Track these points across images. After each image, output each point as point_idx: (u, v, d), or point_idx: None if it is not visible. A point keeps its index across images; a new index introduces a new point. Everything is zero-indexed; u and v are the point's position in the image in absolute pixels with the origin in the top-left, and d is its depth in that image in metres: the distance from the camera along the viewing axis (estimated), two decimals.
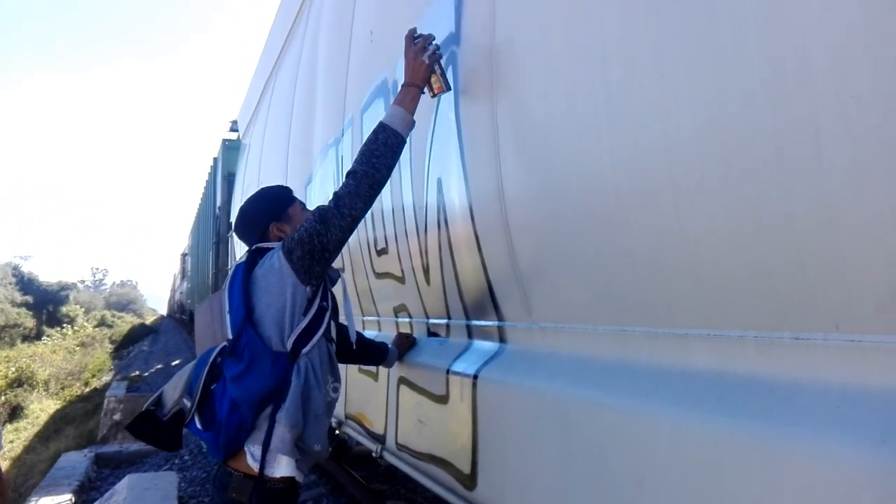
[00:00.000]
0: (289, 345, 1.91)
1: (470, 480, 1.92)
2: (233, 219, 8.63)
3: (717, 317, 1.17)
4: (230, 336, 1.95)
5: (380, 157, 1.94)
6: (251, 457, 1.86)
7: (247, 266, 2.03)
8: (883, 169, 0.86)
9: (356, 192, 1.92)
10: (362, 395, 3.00)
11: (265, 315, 1.93)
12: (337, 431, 5.05)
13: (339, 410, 3.34)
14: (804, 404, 0.98)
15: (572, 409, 1.52)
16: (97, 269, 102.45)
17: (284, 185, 2.39)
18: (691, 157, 1.16)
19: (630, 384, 1.36)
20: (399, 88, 2.05)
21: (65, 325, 42.16)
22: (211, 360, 1.94)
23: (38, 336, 41.40)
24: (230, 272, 2.12)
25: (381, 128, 1.97)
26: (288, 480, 1.88)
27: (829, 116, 0.92)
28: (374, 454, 2.81)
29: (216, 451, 1.90)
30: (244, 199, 2.35)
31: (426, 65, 1.99)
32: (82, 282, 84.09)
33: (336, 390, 2.06)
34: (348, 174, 1.96)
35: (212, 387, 1.93)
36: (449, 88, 2.03)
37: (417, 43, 2.02)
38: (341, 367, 3.35)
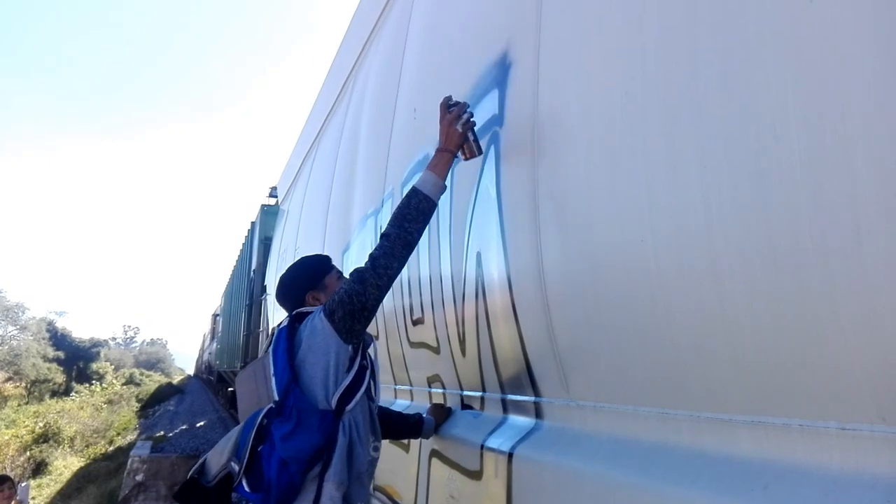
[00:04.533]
0: (333, 402, 1.98)
1: None
2: (268, 283, 8.77)
3: (761, 403, 1.17)
4: (276, 397, 2.00)
5: (412, 220, 2.06)
6: None
7: (288, 330, 2.11)
8: None
9: (391, 252, 2.02)
10: (392, 467, 2.97)
11: (310, 374, 2.01)
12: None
13: None
14: (852, 496, 0.97)
15: (611, 491, 1.50)
16: (129, 326, 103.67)
17: (324, 253, 2.52)
18: (733, 241, 1.18)
19: (672, 469, 1.35)
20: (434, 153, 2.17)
21: (94, 381, 42.57)
22: (258, 422, 1.97)
23: (67, 392, 41.82)
24: (273, 336, 2.19)
25: (414, 192, 2.09)
26: None
27: (868, 207, 0.94)
28: None
29: None
30: (280, 263, 2.53)
31: (460, 133, 2.09)
32: (114, 339, 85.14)
33: (377, 449, 2.12)
34: (382, 236, 2.06)
35: (259, 449, 1.96)
36: (481, 153, 2.12)
37: (453, 111, 2.12)
38: None
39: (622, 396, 1.58)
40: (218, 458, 2.04)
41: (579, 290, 1.69)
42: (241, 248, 15.52)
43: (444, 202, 2.52)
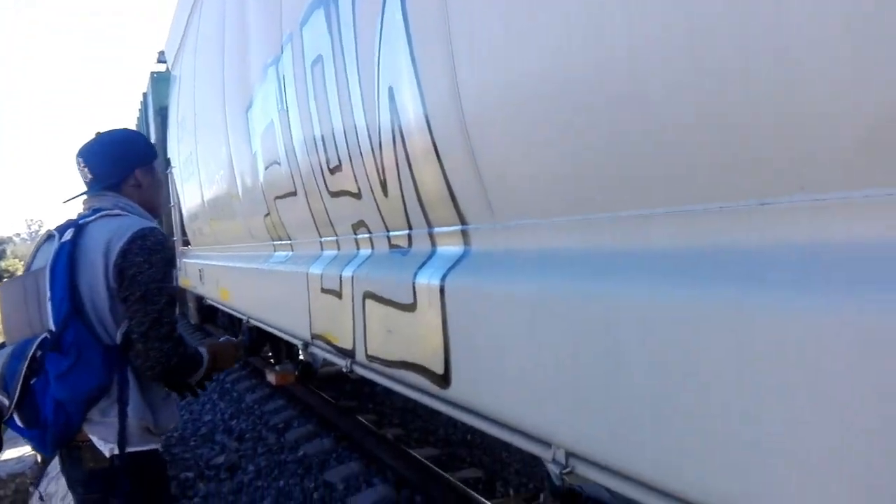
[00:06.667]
0: (118, 337, 1.83)
1: (443, 380, 1.97)
2: (171, 155, 8.31)
3: (680, 193, 1.19)
4: (52, 327, 1.77)
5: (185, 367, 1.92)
6: (102, 441, 1.80)
7: (73, 244, 1.83)
8: (839, 13, 0.87)
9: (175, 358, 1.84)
10: (327, 314, 3.01)
11: (92, 300, 1.80)
12: (301, 355, 5.10)
13: (304, 332, 3.36)
14: (771, 267, 1.02)
15: (539, 300, 1.55)
16: (32, 220, 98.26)
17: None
18: (650, 28, 1.15)
19: (597, 270, 1.39)
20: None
21: (4, 278, 40.80)
22: (30, 354, 1.75)
23: None
24: (52, 248, 1.87)
25: (194, 359, 1.96)
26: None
27: None
28: (343, 369, 2.85)
29: (44, 447, 1.83)
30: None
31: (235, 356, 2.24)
32: (18, 235, 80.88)
33: None
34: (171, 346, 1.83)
35: (31, 382, 1.76)
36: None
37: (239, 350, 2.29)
38: (299, 288, 3.34)
39: (545, 210, 1.60)
40: None
41: (497, 110, 1.65)
42: (136, 122, 14.59)
43: (347, 34, 2.37)
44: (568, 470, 1.54)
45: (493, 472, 4.17)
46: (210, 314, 8.39)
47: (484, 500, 3.37)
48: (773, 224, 1.03)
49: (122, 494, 1.84)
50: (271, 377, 5.18)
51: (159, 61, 10.72)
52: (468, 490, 3.59)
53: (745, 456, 1.04)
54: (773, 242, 1.03)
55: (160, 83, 10.31)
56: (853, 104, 0.88)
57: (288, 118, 3.17)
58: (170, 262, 1.88)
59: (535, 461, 1.64)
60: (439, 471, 3.89)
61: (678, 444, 1.17)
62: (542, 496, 1.88)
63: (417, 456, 4.17)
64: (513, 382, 1.67)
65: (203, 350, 2.03)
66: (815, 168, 0.96)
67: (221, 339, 2.34)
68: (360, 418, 5.09)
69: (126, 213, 1.94)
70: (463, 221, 1.96)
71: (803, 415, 0.95)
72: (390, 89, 2.14)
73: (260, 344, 6.01)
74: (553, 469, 1.60)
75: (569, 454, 1.54)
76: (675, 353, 1.16)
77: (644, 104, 1.19)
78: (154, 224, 1.92)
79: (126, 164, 2.03)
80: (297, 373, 5.18)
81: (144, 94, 12.35)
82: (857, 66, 0.87)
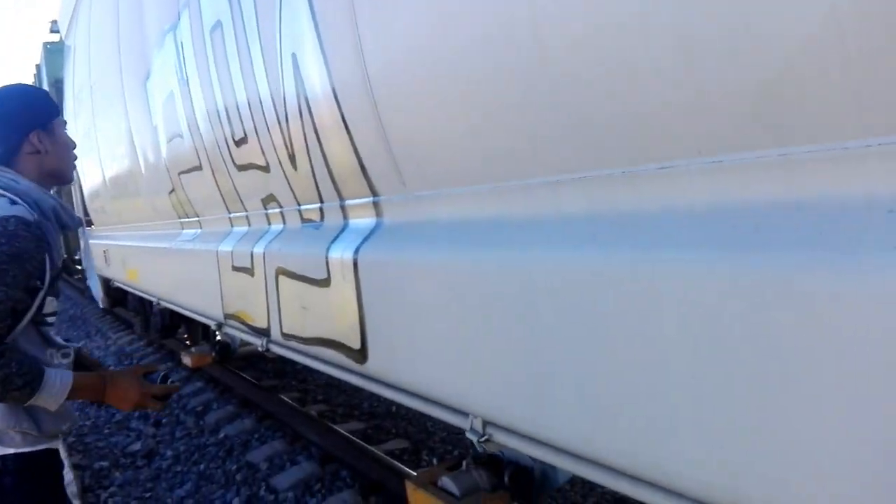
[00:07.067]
0: None
1: (361, 355, 1.94)
2: (68, 130, 7.83)
3: (586, 159, 1.19)
4: None
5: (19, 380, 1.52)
6: None
7: None
8: None
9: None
10: (240, 293, 2.91)
11: None
12: (218, 336, 4.96)
13: (217, 312, 3.24)
14: (670, 228, 1.04)
15: (452, 270, 1.54)
16: None
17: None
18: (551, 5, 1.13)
19: (508, 238, 1.39)
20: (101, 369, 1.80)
21: None
22: None
23: None
24: None
25: (40, 378, 1.57)
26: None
27: None
28: (259, 348, 2.77)
29: None
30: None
31: (136, 403, 1.72)
32: None
33: (67, 355, 1.75)
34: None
35: None
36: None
37: (155, 388, 1.75)
38: (209, 267, 3.21)
39: (455, 180, 1.57)
40: None
41: (408, 83, 1.60)
42: None
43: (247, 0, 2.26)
44: (485, 438, 1.55)
45: (419, 441, 4.19)
46: (120, 298, 8.03)
47: (409, 470, 3.38)
48: (672, 187, 1.04)
49: (5, 496, 1.69)
50: (187, 359, 5.02)
51: (52, 31, 10.06)
52: (393, 462, 3.59)
53: (656, 414, 1.06)
54: (671, 205, 1.05)
55: (53, 54, 9.72)
56: (743, 72, 0.89)
57: (189, 88, 3.02)
58: (17, 258, 1.56)
59: (460, 429, 1.64)
60: (364, 444, 3.87)
61: (591, 409, 1.19)
62: (464, 463, 1.89)
63: (342, 431, 4.14)
64: (429, 354, 1.66)
65: (57, 374, 1.64)
66: (711, 132, 0.96)
67: (153, 375, 1.88)
68: (283, 397, 5.00)
69: (3, 192, 1.64)
70: (374, 193, 1.92)
71: (705, 366, 0.97)
72: (294, 57, 2.06)
73: (174, 325, 5.80)
74: (472, 437, 1.60)
75: (486, 423, 1.54)
76: (586, 318, 1.17)
77: (548, 72, 1.18)
78: (19, 212, 1.61)
79: (17, 129, 1.72)
80: (214, 354, 5.03)
81: (38, 67, 11.60)
82: (745, 38, 0.87)
